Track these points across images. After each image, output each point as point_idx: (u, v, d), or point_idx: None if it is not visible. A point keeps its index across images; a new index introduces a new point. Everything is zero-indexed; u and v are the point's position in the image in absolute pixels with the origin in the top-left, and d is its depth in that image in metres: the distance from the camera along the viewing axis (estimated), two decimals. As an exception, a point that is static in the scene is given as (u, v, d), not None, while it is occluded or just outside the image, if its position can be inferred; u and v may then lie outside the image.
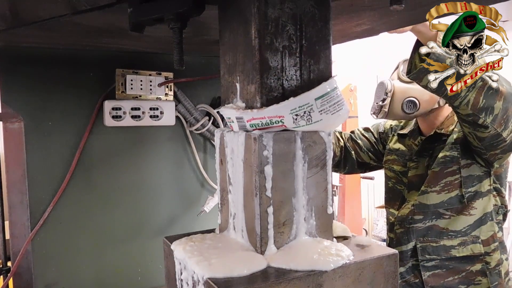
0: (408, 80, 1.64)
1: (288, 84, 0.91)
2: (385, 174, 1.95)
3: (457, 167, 1.66)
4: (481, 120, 1.41)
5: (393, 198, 1.88)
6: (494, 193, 1.70)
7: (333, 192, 5.05)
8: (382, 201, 5.86)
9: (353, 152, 2.03)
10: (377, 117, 1.81)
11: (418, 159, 1.78)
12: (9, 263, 1.62)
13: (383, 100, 1.74)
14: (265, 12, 0.88)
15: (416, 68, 1.40)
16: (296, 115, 0.86)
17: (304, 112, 0.85)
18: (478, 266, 1.67)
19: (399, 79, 1.75)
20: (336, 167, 2.07)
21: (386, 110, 1.75)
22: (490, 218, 1.69)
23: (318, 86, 0.85)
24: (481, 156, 1.62)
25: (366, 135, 2.06)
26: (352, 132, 2.11)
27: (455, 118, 1.70)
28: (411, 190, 1.78)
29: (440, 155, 1.68)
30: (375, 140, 2.04)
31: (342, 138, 2.06)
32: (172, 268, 0.98)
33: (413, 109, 1.72)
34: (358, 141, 2.05)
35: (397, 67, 1.82)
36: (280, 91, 0.90)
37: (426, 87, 1.36)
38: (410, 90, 1.70)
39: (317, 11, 0.93)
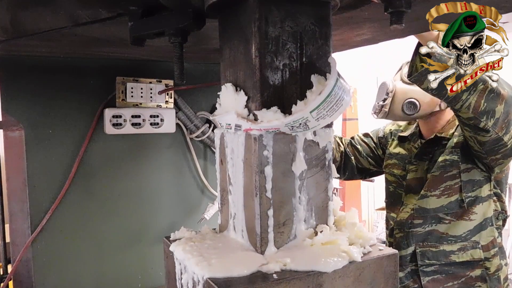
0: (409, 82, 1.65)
1: (289, 101, 0.90)
2: (386, 178, 1.95)
3: (457, 171, 1.65)
4: (482, 123, 1.41)
5: (394, 202, 1.87)
6: (494, 198, 1.70)
7: (333, 195, 5.10)
8: (382, 203, 5.87)
9: (352, 157, 2.03)
10: (377, 116, 1.81)
11: (417, 162, 1.78)
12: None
13: (384, 100, 1.75)
14: (266, 31, 0.88)
15: (417, 70, 1.40)
16: (292, 127, 0.86)
17: (300, 124, 0.85)
18: (477, 272, 1.66)
19: (402, 80, 1.76)
20: (337, 172, 2.07)
21: (387, 110, 1.75)
22: (490, 224, 1.68)
23: (313, 101, 0.84)
24: (482, 160, 1.61)
25: (366, 140, 2.07)
26: (352, 137, 2.11)
27: (456, 122, 1.70)
28: (409, 193, 1.78)
29: (440, 159, 1.68)
30: (374, 145, 2.05)
31: (342, 143, 2.06)
32: (172, 269, 0.98)
33: (413, 111, 1.72)
34: (357, 146, 2.05)
35: (400, 68, 1.82)
36: (281, 108, 0.89)
37: (427, 89, 1.36)
38: (411, 92, 1.71)
39: (318, 28, 0.94)
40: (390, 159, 1.91)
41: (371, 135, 2.08)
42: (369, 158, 2.04)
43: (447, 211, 1.67)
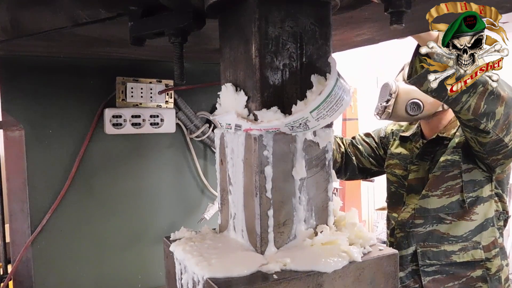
0: None
1: (289, 101, 0.90)
2: (387, 178, 1.95)
3: (458, 172, 1.65)
4: (483, 125, 1.41)
5: (396, 202, 1.88)
6: (496, 198, 1.70)
7: (333, 195, 5.17)
8: (382, 203, 5.84)
9: (354, 157, 2.03)
10: (380, 117, 1.80)
11: (419, 162, 1.78)
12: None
13: (387, 101, 1.74)
14: (266, 31, 0.88)
15: (417, 72, 1.40)
16: (292, 127, 0.86)
17: (300, 124, 0.85)
18: (478, 272, 1.66)
19: (404, 81, 1.75)
20: (337, 173, 2.07)
21: (390, 111, 1.75)
22: (491, 224, 1.68)
23: (313, 101, 0.84)
24: (483, 161, 1.61)
25: (367, 140, 2.07)
26: (353, 137, 2.11)
27: (458, 122, 1.70)
28: (410, 193, 1.78)
29: (442, 159, 1.68)
30: (376, 145, 2.05)
31: (343, 144, 2.06)
32: (172, 269, 0.98)
33: (416, 111, 1.71)
34: (359, 146, 2.05)
35: (402, 69, 1.82)
36: (281, 108, 0.89)
37: (426, 91, 1.36)
38: (414, 92, 1.69)
39: (318, 28, 0.94)
40: (392, 159, 1.91)
41: (373, 135, 2.08)
42: (370, 158, 2.04)
43: (448, 211, 1.67)
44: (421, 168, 1.76)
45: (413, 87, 1.65)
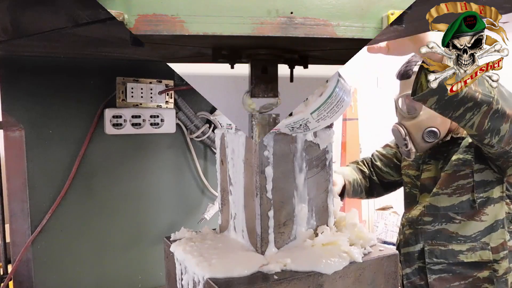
0: (413, 115, 1.67)
1: (289, 102, 0.91)
2: (403, 180, 1.95)
3: (470, 171, 1.65)
4: (487, 140, 1.40)
5: (410, 203, 1.87)
6: (508, 200, 1.69)
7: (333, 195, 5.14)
8: (382, 204, 5.78)
9: (375, 177, 2.07)
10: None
11: (432, 161, 1.77)
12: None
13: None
14: None
15: (422, 88, 1.37)
16: (292, 127, 0.86)
17: (300, 125, 0.85)
18: (485, 273, 1.65)
19: (402, 116, 1.74)
20: (369, 195, 2.13)
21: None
22: (501, 226, 1.67)
23: (313, 102, 0.84)
24: (494, 162, 1.61)
25: (384, 152, 2.09)
26: (372, 155, 2.14)
27: None
28: (423, 193, 1.78)
29: (454, 157, 1.68)
30: (395, 151, 2.06)
31: (365, 166, 2.09)
32: (172, 269, 0.98)
33: (433, 138, 1.70)
34: (377, 163, 2.08)
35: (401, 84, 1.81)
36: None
37: (430, 108, 1.34)
38: (420, 123, 1.69)
39: None
40: (405, 160, 1.92)
41: (390, 144, 2.10)
42: (389, 169, 2.05)
43: (458, 211, 1.66)
44: (434, 168, 1.76)
45: (417, 119, 1.66)
